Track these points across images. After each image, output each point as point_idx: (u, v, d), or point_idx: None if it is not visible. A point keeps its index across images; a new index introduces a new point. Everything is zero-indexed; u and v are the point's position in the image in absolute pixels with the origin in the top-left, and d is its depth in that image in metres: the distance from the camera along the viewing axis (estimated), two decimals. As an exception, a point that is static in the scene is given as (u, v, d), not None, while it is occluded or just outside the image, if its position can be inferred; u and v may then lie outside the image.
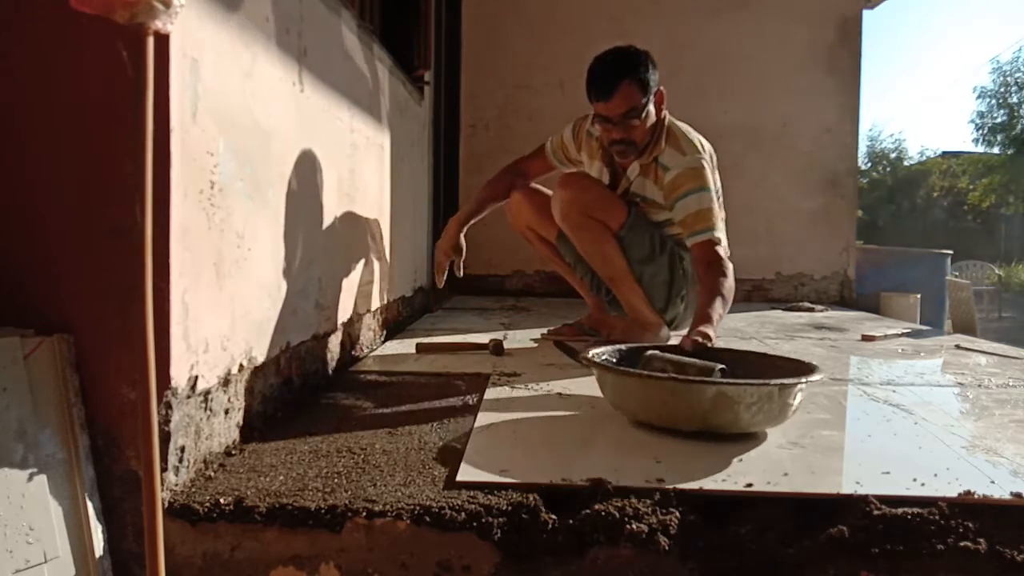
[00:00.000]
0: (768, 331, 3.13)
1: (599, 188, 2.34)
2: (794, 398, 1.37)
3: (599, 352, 1.61)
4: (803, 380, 1.38)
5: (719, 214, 2.17)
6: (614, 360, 1.63)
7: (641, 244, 2.30)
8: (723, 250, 2.12)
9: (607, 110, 2.16)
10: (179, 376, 1.12)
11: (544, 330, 2.69)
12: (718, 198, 2.22)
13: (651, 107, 2.18)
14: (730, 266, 2.07)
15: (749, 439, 1.37)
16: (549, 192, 2.46)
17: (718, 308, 1.90)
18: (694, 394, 1.35)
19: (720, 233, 2.14)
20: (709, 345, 1.68)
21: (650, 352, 1.60)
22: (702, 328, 1.74)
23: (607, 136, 2.22)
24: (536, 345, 2.49)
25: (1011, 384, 2.01)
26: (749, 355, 1.71)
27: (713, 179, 2.21)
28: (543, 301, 4.11)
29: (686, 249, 2.23)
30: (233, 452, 1.30)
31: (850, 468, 1.26)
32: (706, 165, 2.18)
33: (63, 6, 0.78)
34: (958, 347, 2.76)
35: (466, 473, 1.18)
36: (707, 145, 2.28)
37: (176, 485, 1.11)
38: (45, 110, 1.10)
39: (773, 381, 1.35)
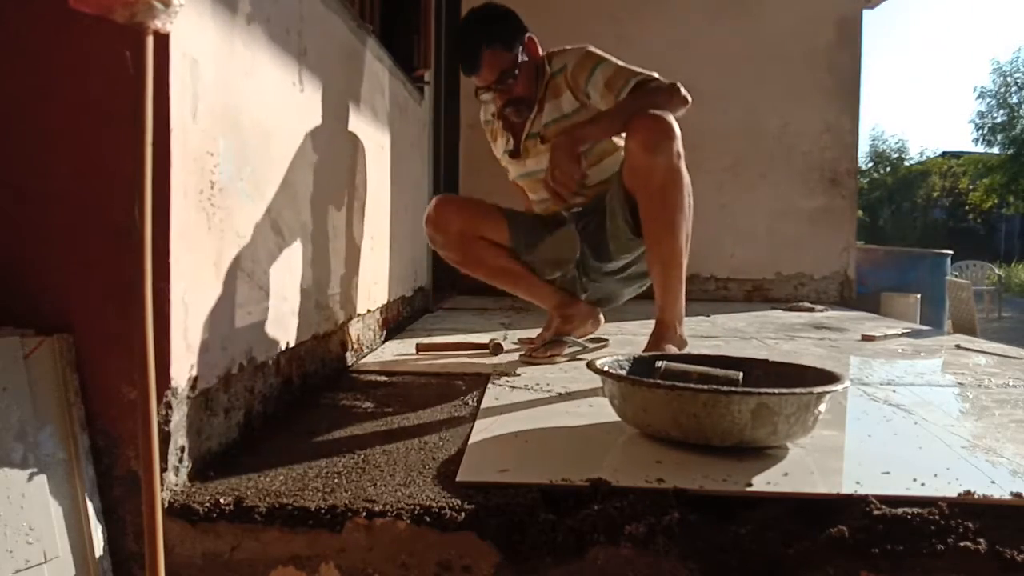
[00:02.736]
0: (768, 331, 3.13)
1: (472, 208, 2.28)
2: (823, 407, 1.30)
3: (604, 363, 1.49)
4: (837, 387, 1.30)
5: (633, 67, 2.06)
6: (624, 371, 1.52)
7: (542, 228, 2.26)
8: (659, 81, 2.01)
9: (481, 81, 2.14)
10: (179, 376, 1.12)
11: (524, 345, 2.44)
12: None
13: (523, 57, 2.15)
14: (676, 90, 1.96)
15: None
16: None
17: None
18: (735, 406, 1.23)
19: (647, 73, 2.03)
20: None
21: (662, 363, 1.49)
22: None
23: (497, 102, 2.20)
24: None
25: (1011, 384, 2.01)
26: (754, 362, 1.59)
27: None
28: (543, 301, 4.11)
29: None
30: (233, 452, 1.30)
31: (850, 468, 1.26)
32: (594, 47, 2.11)
33: (63, 6, 0.78)
34: (958, 347, 2.76)
35: (466, 473, 1.18)
36: None
37: (176, 485, 1.11)
38: (45, 110, 1.10)
39: (816, 389, 1.27)
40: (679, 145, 1.94)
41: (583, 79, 2.08)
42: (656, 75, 2.05)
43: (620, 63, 2.07)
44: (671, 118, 1.93)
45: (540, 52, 2.19)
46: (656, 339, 2.07)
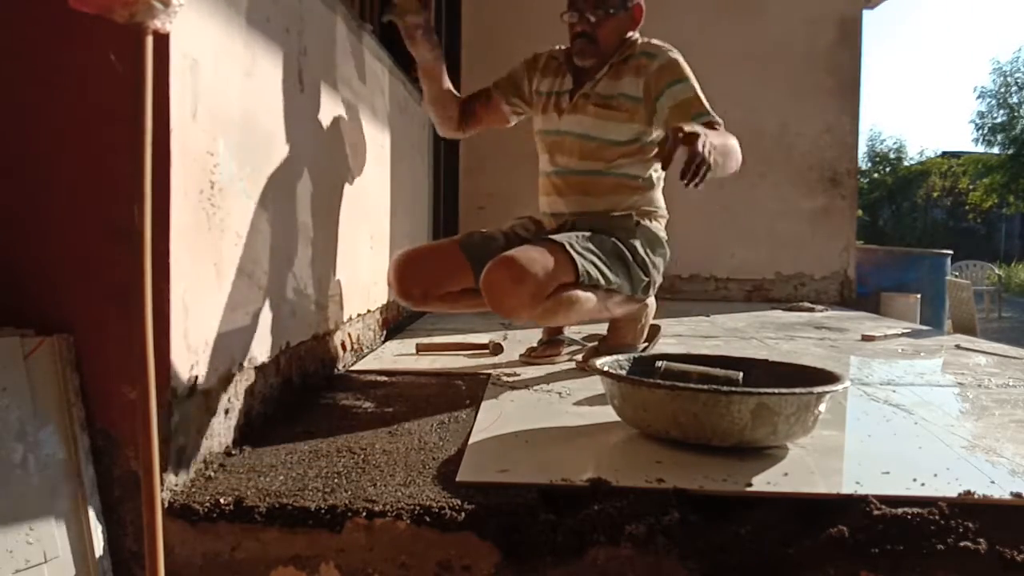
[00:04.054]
0: (768, 331, 3.13)
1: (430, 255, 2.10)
2: (823, 407, 1.30)
3: (604, 362, 1.49)
4: (837, 387, 1.31)
5: (704, 98, 2.09)
6: (623, 371, 1.52)
7: None
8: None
9: None
10: (179, 376, 1.12)
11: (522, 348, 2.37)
12: None
13: (623, 12, 2.11)
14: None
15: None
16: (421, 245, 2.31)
17: (719, 138, 1.83)
18: (735, 406, 1.22)
19: (713, 115, 2.06)
20: (698, 135, 1.59)
21: (661, 363, 1.48)
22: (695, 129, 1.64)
23: (572, 30, 2.12)
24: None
25: (1011, 384, 2.00)
26: (754, 362, 1.60)
27: None
28: (543, 301, 4.10)
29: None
30: (233, 452, 1.30)
31: (850, 468, 1.26)
32: (683, 59, 2.11)
33: (63, 6, 0.78)
34: (958, 347, 2.76)
35: (466, 473, 1.18)
36: None
37: (176, 485, 1.11)
38: (45, 111, 1.10)
39: (816, 389, 1.27)
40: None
41: (663, 83, 2.05)
42: (719, 119, 2.06)
43: (699, 89, 2.06)
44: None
45: (639, 24, 2.16)
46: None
